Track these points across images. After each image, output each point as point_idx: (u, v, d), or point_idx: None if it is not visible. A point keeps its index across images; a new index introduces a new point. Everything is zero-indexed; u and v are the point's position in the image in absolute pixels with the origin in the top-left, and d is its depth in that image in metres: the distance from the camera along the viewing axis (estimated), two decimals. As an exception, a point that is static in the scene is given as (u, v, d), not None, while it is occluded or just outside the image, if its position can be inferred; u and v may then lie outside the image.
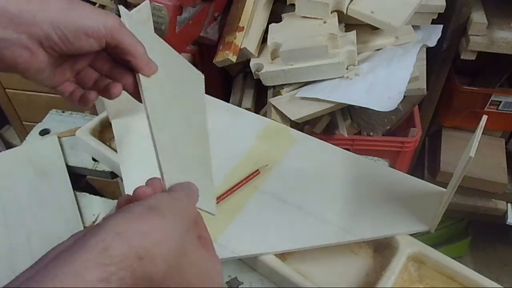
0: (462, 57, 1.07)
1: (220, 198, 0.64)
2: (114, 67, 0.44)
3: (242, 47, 0.93)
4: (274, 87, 0.95)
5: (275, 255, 0.59)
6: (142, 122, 0.75)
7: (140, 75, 0.42)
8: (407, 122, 1.06)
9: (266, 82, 0.93)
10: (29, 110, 1.32)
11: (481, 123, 0.53)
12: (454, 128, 1.32)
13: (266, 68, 0.91)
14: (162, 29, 0.83)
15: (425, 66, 0.95)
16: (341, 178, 0.67)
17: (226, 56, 0.91)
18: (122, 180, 0.67)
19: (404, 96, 0.86)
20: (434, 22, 0.97)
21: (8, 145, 1.55)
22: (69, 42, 0.39)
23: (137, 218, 0.32)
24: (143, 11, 0.69)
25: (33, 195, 0.69)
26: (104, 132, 0.76)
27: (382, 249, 0.62)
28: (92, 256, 0.28)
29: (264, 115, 0.90)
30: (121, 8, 0.44)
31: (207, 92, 0.80)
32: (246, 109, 0.96)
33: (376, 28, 0.93)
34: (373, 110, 0.84)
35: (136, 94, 0.43)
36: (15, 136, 1.52)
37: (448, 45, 1.09)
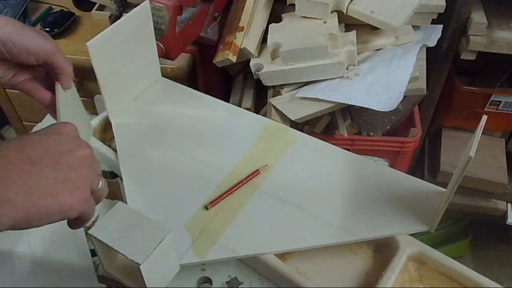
0: (462, 57, 1.07)
1: (220, 198, 0.64)
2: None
3: (242, 47, 0.93)
4: (274, 87, 0.95)
5: (275, 255, 0.59)
6: (142, 122, 0.75)
7: (59, 86, 0.58)
8: (407, 122, 1.05)
9: (266, 82, 0.93)
10: (29, 110, 1.31)
11: (481, 123, 0.53)
12: (454, 128, 1.32)
13: (266, 68, 0.91)
14: (162, 29, 0.83)
15: (425, 66, 0.95)
16: (341, 178, 0.67)
17: (226, 56, 0.91)
18: (122, 180, 0.67)
19: (404, 96, 0.86)
20: (434, 22, 0.97)
21: (8, 145, 1.54)
22: (13, 55, 0.53)
23: None
24: (143, 11, 0.69)
25: (33, 195, 0.69)
26: (104, 132, 0.76)
27: (382, 249, 0.62)
28: None
29: (264, 115, 0.90)
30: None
31: (207, 92, 0.81)
32: (246, 109, 0.96)
33: (376, 28, 0.93)
34: (373, 110, 0.84)
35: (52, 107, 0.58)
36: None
37: (448, 45, 1.09)
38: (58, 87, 0.58)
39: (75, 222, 0.48)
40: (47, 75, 0.59)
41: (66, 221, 0.66)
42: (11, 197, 0.38)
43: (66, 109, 0.59)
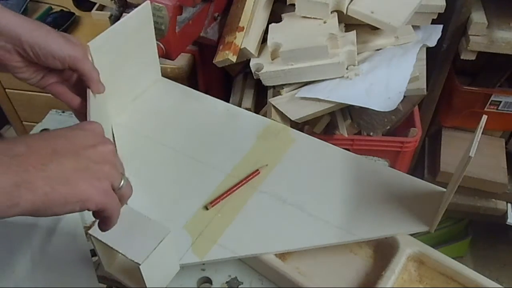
0: (462, 57, 1.07)
1: (220, 198, 0.64)
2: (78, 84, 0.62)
3: (242, 47, 0.93)
4: (274, 87, 0.95)
5: (275, 255, 0.59)
6: (142, 122, 0.75)
7: (89, 92, 0.60)
8: (407, 122, 1.05)
9: (266, 82, 0.93)
10: (29, 110, 1.32)
11: (481, 123, 0.54)
12: (454, 128, 1.32)
13: (266, 68, 0.91)
14: (162, 29, 0.83)
15: (425, 66, 0.95)
16: (341, 178, 0.67)
17: (226, 56, 0.91)
18: (122, 180, 0.67)
19: (404, 96, 0.86)
20: (434, 22, 0.97)
21: (8, 145, 1.54)
22: (40, 59, 0.55)
23: None
24: (143, 12, 0.69)
25: (33, 195, 0.69)
26: (104, 132, 0.76)
27: (382, 249, 0.62)
28: None
29: (264, 115, 0.90)
30: None
31: (207, 92, 0.81)
32: (246, 109, 0.96)
33: (376, 28, 0.93)
34: (373, 110, 0.84)
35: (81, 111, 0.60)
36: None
37: (448, 45, 1.09)
38: (89, 92, 0.60)
39: (101, 222, 0.47)
40: (79, 79, 0.61)
41: (67, 222, 0.66)
42: (30, 180, 0.39)
43: (95, 113, 0.60)
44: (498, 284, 0.56)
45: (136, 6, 0.69)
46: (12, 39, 0.53)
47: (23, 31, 0.53)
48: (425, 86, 0.95)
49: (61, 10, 1.25)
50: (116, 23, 0.66)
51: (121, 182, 0.47)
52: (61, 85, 0.61)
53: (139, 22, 0.70)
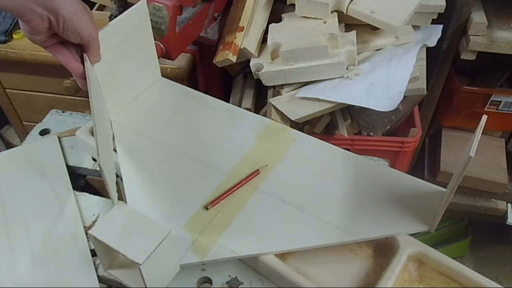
0: (462, 57, 1.07)
1: (220, 198, 0.64)
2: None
3: (242, 47, 0.93)
4: (274, 87, 0.95)
5: (275, 255, 0.59)
6: (142, 122, 0.75)
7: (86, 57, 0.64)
8: (407, 122, 1.05)
9: (266, 82, 0.93)
10: (29, 110, 1.31)
11: (481, 123, 0.53)
12: (454, 128, 1.32)
13: (266, 68, 0.91)
14: (162, 29, 0.83)
15: (425, 66, 0.95)
16: (341, 178, 0.67)
17: (226, 56, 0.91)
18: (122, 180, 0.67)
19: (404, 96, 0.86)
20: (434, 22, 0.97)
21: (8, 145, 1.54)
22: (64, 32, 0.59)
23: None
24: (139, 11, 0.69)
25: (33, 195, 0.69)
26: (104, 132, 0.76)
27: (382, 249, 0.62)
28: None
29: (264, 115, 0.90)
30: None
31: (207, 92, 0.81)
32: (246, 109, 0.96)
33: (376, 28, 0.93)
34: (373, 110, 0.84)
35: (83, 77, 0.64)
36: (15, 136, 1.51)
37: (448, 45, 1.09)
38: (86, 57, 0.64)
39: None
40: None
41: (67, 222, 0.66)
42: None
43: (94, 80, 0.64)
44: (498, 284, 0.56)
45: (136, 6, 0.69)
46: (52, 9, 0.56)
47: (64, 5, 0.57)
48: (425, 86, 0.95)
49: (61, 10, 1.24)
50: (112, 21, 0.66)
51: None
52: (68, 53, 0.63)
53: (135, 21, 0.70)
